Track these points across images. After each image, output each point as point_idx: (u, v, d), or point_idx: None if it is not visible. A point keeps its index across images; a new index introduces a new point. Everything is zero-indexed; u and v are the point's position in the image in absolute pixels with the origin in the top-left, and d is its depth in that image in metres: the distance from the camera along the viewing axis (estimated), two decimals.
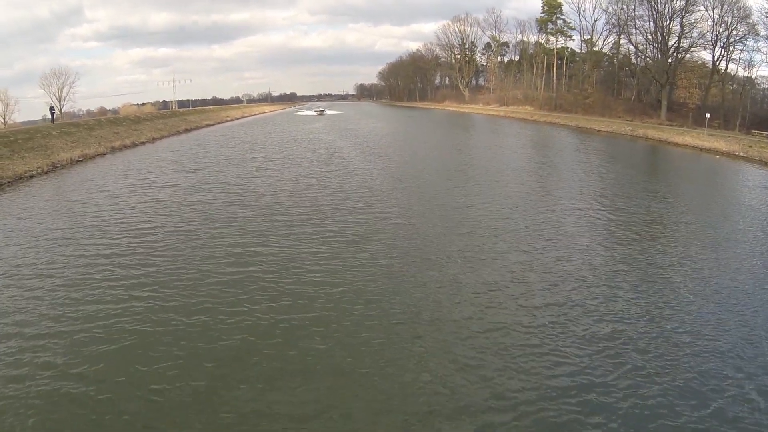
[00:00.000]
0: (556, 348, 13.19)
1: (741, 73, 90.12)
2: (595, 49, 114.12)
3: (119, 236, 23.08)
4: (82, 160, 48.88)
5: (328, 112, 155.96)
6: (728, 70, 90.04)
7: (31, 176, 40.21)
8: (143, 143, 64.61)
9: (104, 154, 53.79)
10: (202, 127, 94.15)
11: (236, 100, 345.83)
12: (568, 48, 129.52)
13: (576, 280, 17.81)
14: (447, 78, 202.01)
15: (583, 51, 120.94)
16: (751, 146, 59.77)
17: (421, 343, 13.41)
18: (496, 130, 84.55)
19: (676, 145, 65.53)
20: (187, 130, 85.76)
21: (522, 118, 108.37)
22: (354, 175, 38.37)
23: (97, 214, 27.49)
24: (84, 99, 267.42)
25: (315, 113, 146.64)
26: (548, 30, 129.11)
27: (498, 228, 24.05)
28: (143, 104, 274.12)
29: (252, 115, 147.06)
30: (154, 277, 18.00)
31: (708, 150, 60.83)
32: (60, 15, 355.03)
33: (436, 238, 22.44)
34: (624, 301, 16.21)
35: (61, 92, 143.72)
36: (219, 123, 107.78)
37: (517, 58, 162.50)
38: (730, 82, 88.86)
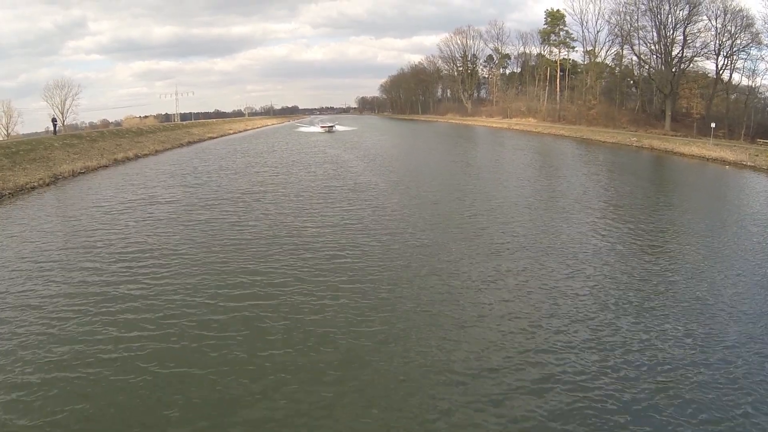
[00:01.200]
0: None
1: (745, 82, 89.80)
2: (598, 60, 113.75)
3: (116, 258, 21.35)
4: (84, 172, 48.43)
5: (339, 128, 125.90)
6: (732, 80, 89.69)
7: (32, 188, 39.75)
8: (146, 155, 64.32)
9: (107, 166, 53.39)
10: (204, 140, 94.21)
11: (238, 113, 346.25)
12: (570, 60, 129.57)
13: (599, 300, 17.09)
14: (449, 90, 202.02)
15: (585, 62, 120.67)
16: (757, 155, 59.23)
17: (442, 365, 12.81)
18: (502, 142, 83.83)
19: (683, 155, 64.99)
20: (190, 143, 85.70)
21: (526, 130, 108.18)
22: (363, 191, 36.46)
23: (93, 234, 25.51)
24: (86, 111, 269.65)
25: (321, 130, 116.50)
26: (551, 41, 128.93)
27: (517, 245, 23.06)
28: (146, 117, 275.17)
29: (254, 128, 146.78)
30: (152, 300, 17.10)
31: (715, 160, 60.29)
32: (63, 27, 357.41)
33: (454, 252, 21.73)
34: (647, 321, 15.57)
35: (64, 104, 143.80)
36: (222, 136, 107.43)
37: (519, 70, 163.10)
38: (733, 92, 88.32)
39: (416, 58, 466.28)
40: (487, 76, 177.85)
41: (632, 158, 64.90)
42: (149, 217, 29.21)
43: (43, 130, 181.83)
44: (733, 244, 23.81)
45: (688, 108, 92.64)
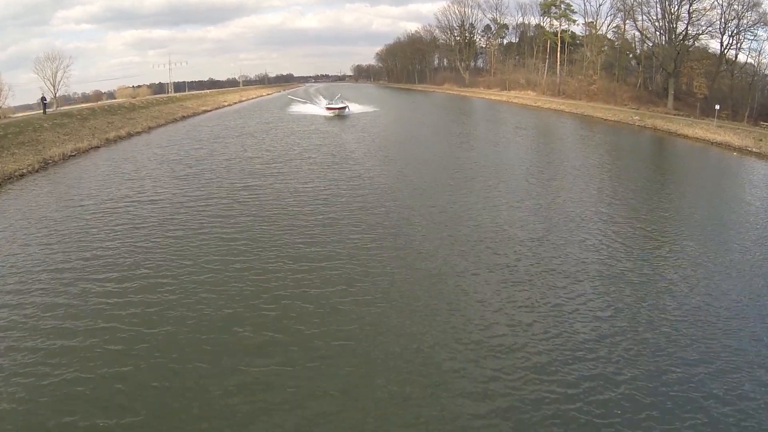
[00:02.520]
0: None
1: (750, 62, 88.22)
2: (599, 33, 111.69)
3: (107, 258, 21.16)
4: (75, 155, 46.91)
5: (356, 107, 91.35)
6: (737, 60, 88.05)
7: (22, 175, 38.42)
8: (139, 133, 62.47)
9: (98, 147, 51.75)
10: (199, 113, 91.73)
11: (233, 82, 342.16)
12: (570, 31, 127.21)
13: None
14: (446, 59, 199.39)
15: (586, 35, 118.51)
16: (761, 140, 58.37)
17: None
18: (503, 119, 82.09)
19: (686, 137, 63.98)
20: (184, 117, 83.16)
21: (525, 104, 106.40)
22: (365, 178, 36.01)
23: (83, 233, 25.00)
24: (79, 83, 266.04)
25: (327, 113, 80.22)
26: (551, 14, 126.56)
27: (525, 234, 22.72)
28: (139, 87, 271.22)
29: (249, 99, 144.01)
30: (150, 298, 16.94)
31: (719, 144, 59.35)
32: None
33: (458, 243, 21.98)
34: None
35: (55, 77, 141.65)
36: (216, 108, 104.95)
37: (517, 40, 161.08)
38: (738, 73, 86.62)
39: (412, 26, 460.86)
40: (484, 46, 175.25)
41: (635, 140, 64.04)
42: (133, 217, 27.64)
43: (35, 102, 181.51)
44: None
45: (689, 85, 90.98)
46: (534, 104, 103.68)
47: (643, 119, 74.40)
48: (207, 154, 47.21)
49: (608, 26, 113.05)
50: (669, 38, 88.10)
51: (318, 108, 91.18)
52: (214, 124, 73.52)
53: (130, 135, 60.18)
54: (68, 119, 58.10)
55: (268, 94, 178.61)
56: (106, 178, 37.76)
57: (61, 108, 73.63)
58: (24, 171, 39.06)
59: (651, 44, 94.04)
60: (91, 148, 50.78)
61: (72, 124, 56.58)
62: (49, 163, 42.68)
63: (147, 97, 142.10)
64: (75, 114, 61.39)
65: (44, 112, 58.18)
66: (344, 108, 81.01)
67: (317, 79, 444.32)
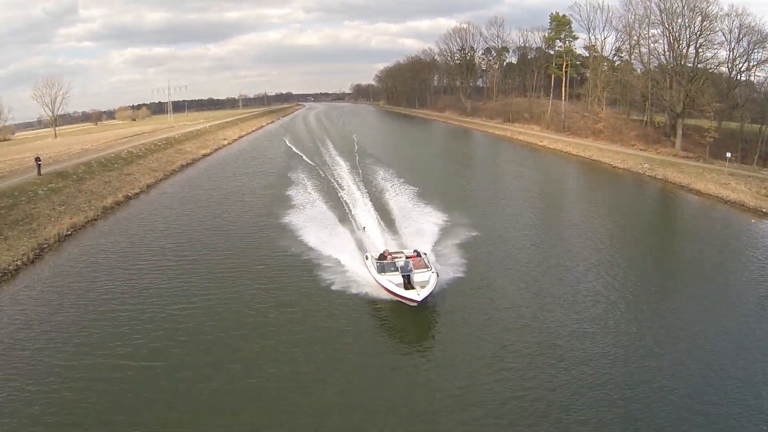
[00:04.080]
0: None
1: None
2: (605, 68, 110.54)
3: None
4: (71, 233, 44.99)
5: None
6: (747, 100, 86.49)
7: (17, 269, 36.48)
8: (137, 195, 60.45)
9: (95, 220, 49.77)
10: (198, 160, 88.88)
11: (232, 101, 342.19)
12: (572, 51, 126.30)
13: None
14: (446, 79, 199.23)
15: (590, 69, 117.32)
16: None
17: None
18: (509, 171, 80.00)
19: (699, 193, 62.23)
20: (183, 167, 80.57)
21: (530, 143, 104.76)
22: None
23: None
24: (79, 98, 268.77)
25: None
26: (556, 48, 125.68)
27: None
28: (139, 107, 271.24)
29: (249, 133, 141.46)
30: None
31: (733, 203, 57.67)
32: (54, 14, 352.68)
33: None
34: None
35: (54, 102, 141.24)
36: (216, 150, 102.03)
37: (516, 60, 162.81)
38: (748, 116, 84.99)
39: (410, 42, 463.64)
40: (485, 68, 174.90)
41: (646, 198, 62.90)
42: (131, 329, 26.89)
43: (35, 119, 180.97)
44: None
45: (700, 123, 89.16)
46: (540, 143, 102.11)
47: (653, 167, 72.67)
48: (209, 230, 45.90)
49: (614, 59, 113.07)
50: (677, 78, 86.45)
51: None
52: (214, 186, 69.15)
53: (128, 199, 58.20)
54: (63, 181, 56.22)
55: (267, 124, 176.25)
56: (102, 271, 36.06)
57: (57, 169, 70.97)
58: (19, 263, 37.13)
59: (658, 83, 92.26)
60: (88, 221, 48.74)
61: (67, 189, 54.72)
62: (44, 249, 40.70)
63: (145, 127, 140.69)
64: (71, 173, 59.45)
65: (39, 173, 56.29)
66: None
67: (316, 97, 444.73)
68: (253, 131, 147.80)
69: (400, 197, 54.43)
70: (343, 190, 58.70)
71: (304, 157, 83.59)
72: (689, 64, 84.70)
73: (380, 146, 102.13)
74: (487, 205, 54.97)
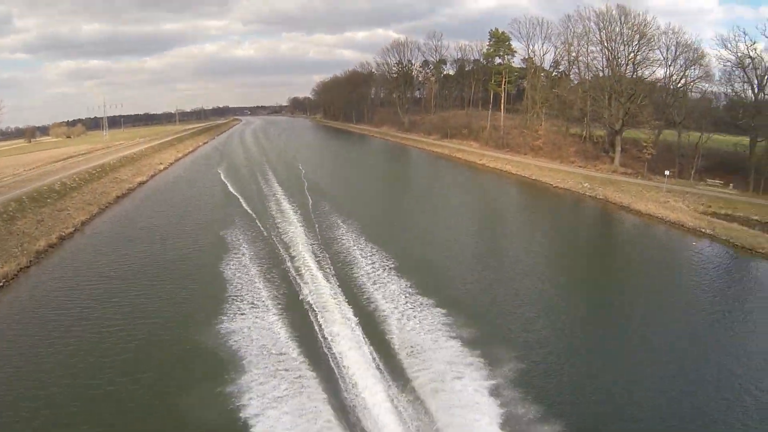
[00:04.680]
0: None
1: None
2: (543, 83, 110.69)
3: None
4: (2, 285, 39.97)
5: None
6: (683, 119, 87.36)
7: None
8: (71, 234, 55.09)
9: (28, 267, 44.29)
10: (134, 189, 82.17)
11: (169, 116, 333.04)
12: (516, 74, 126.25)
13: None
14: (383, 92, 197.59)
15: (529, 84, 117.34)
16: (709, 207, 61.05)
17: None
18: (446, 196, 75.83)
19: (639, 213, 61.48)
20: (118, 198, 74.14)
21: (469, 161, 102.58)
22: None
23: None
24: (13, 112, 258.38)
25: None
26: (495, 65, 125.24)
27: None
28: (74, 123, 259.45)
29: (185, 155, 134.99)
30: None
31: (673, 224, 57.21)
32: None
33: None
34: None
35: None
36: (153, 176, 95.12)
37: (453, 72, 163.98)
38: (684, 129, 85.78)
39: (348, 54, 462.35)
40: (422, 80, 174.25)
41: (587, 219, 61.58)
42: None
43: None
44: None
45: (637, 138, 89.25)
46: (479, 161, 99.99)
47: (594, 187, 71.46)
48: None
49: (553, 74, 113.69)
50: (615, 96, 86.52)
51: None
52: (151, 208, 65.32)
53: (61, 239, 52.87)
54: None
55: (204, 143, 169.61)
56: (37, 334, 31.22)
57: None
58: None
59: (595, 100, 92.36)
60: (21, 269, 43.45)
61: None
62: None
63: (80, 146, 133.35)
64: (1, 212, 54.33)
65: None
66: None
67: (253, 111, 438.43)
68: (189, 152, 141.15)
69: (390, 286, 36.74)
70: (302, 277, 38.69)
71: (243, 203, 65.64)
72: (628, 82, 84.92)
73: (329, 177, 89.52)
74: (423, 237, 51.00)
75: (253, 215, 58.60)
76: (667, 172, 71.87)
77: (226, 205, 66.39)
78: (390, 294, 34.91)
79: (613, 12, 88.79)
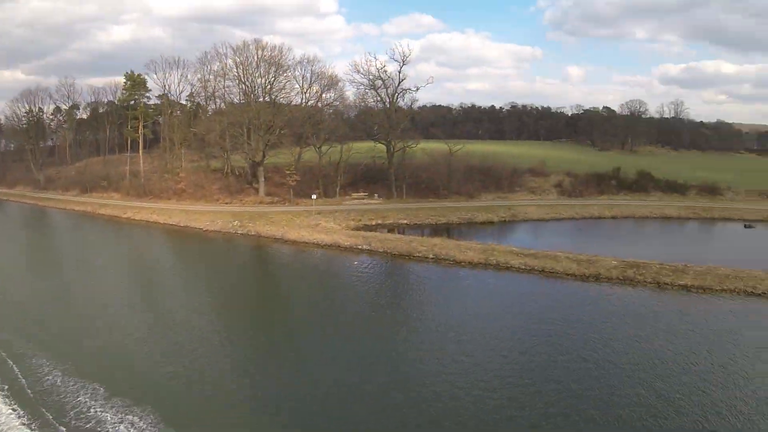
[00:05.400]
0: None
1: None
2: (180, 122, 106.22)
3: None
4: None
5: None
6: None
7: None
8: None
9: None
10: None
11: None
12: (150, 118, 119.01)
13: None
14: (13, 145, 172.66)
15: (164, 123, 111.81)
16: (360, 220, 67.29)
17: None
18: (92, 260, 62.66)
19: (295, 243, 61.12)
20: None
21: (114, 216, 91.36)
22: None
23: None
24: None
25: None
26: (131, 109, 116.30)
27: None
28: None
29: None
30: None
31: (330, 246, 58.03)
32: None
33: None
34: None
35: None
36: None
37: (87, 115, 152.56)
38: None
39: None
40: (55, 128, 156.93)
41: (245, 263, 58.69)
42: None
43: None
44: None
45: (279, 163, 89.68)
46: (124, 215, 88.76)
47: (244, 224, 68.99)
48: None
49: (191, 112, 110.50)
50: (255, 129, 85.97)
51: None
52: None
53: None
54: None
55: None
56: None
57: None
58: None
59: (234, 136, 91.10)
60: None
61: None
62: None
63: None
64: None
65: None
66: None
67: None
68: None
69: None
70: None
71: None
72: (266, 114, 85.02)
73: None
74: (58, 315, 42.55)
75: None
76: (313, 196, 73.61)
77: None
78: None
79: (250, 46, 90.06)
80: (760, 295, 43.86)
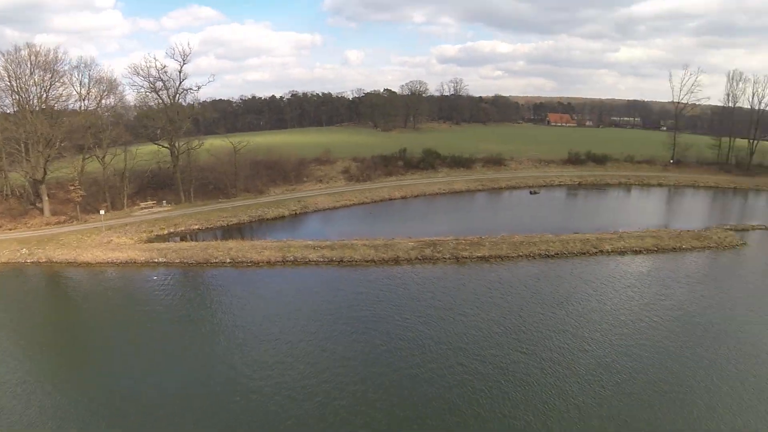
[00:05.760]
0: None
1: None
2: None
3: None
4: None
5: None
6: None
7: None
8: None
9: None
10: None
11: None
12: None
13: None
14: None
15: None
16: (152, 231, 68.13)
17: None
18: None
19: (90, 265, 59.62)
20: None
21: None
22: None
23: None
24: None
25: None
26: None
27: None
28: None
29: None
30: None
31: (126, 264, 57.58)
32: None
33: None
34: None
35: None
36: None
37: None
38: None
39: None
40: None
41: (39, 296, 54.66)
42: None
43: None
44: None
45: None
46: None
47: (32, 251, 64.74)
48: None
49: None
50: (33, 144, 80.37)
51: None
52: None
53: None
54: None
55: None
56: None
57: None
58: None
59: (10, 154, 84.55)
60: None
61: None
62: None
63: None
64: None
65: None
66: None
67: None
68: None
69: None
70: None
71: None
72: (44, 127, 79.25)
73: None
74: None
75: None
76: (102, 211, 71.81)
77: None
78: None
79: (22, 51, 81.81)
80: (553, 256, 50.96)
